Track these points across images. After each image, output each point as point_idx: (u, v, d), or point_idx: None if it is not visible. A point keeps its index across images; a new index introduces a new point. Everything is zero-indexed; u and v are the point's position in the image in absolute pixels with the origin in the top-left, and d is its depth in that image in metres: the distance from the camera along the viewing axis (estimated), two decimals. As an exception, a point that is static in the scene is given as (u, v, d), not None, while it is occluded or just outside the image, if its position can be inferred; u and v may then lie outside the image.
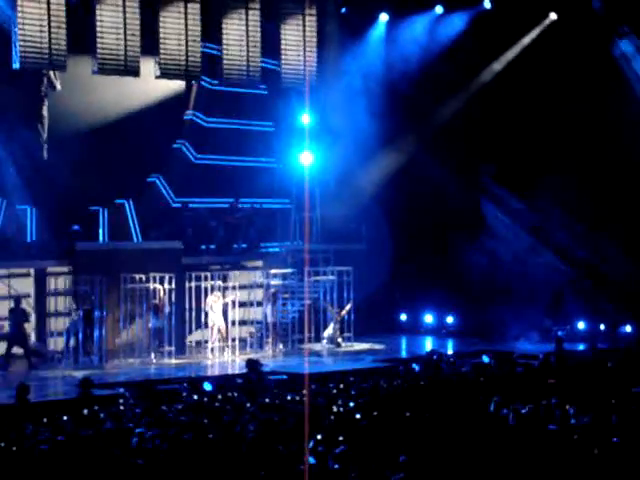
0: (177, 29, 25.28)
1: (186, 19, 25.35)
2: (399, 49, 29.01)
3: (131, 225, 26.31)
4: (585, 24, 27.84)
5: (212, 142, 28.45)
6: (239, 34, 26.29)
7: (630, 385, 16.58)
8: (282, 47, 27.09)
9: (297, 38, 27.13)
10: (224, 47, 26.14)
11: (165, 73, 25.50)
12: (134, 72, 24.90)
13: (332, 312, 26.09)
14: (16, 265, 24.16)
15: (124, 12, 24.32)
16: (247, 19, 26.30)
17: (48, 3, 23.15)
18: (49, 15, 23.18)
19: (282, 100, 28.29)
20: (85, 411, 15.18)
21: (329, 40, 28.76)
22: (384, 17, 29.33)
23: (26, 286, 24.38)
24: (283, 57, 27.12)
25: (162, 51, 25.18)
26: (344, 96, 28.44)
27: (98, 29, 24.04)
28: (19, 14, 22.84)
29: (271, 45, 27.20)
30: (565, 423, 13.29)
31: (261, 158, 29.22)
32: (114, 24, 24.24)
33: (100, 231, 25.76)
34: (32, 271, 24.37)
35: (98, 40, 24.09)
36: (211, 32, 26.17)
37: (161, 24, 25.10)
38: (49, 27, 23.13)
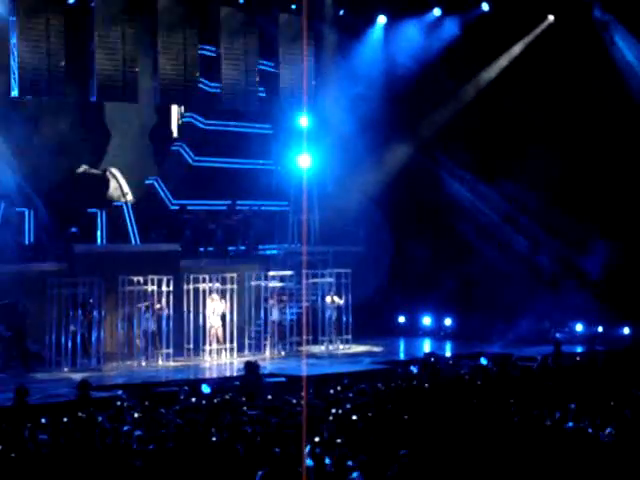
0: (175, 55, 25.24)
1: (185, 45, 25.40)
2: (397, 51, 29.00)
3: (129, 227, 26.32)
4: (582, 23, 27.92)
5: (210, 144, 28.46)
6: (236, 41, 26.32)
7: (629, 387, 16.56)
8: (280, 50, 27.14)
9: (295, 40, 27.14)
10: (222, 53, 26.15)
11: (164, 99, 25.48)
12: (132, 98, 24.87)
13: (333, 301, 26.02)
14: (14, 268, 24.10)
15: (122, 39, 24.28)
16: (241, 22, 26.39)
17: (47, 27, 23.15)
18: (48, 43, 23.15)
19: (280, 102, 28.28)
20: (83, 413, 15.16)
21: (327, 42, 28.77)
22: (382, 19, 29.33)
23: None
24: (281, 59, 27.17)
25: (161, 77, 25.11)
26: (342, 98, 28.43)
27: (97, 56, 23.96)
28: (18, 42, 22.79)
29: (269, 48, 27.25)
30: (562, 425, 13.28)
31: (259, 160, 29.25)
32: (112, 51, 24.18)
33: (98, 233, 25.77)
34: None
35: (97, 67, 23.99)
36: (208, 34, 26.16)
37: (160, 49, 25.03)
38: (48, 55, 23.12)
